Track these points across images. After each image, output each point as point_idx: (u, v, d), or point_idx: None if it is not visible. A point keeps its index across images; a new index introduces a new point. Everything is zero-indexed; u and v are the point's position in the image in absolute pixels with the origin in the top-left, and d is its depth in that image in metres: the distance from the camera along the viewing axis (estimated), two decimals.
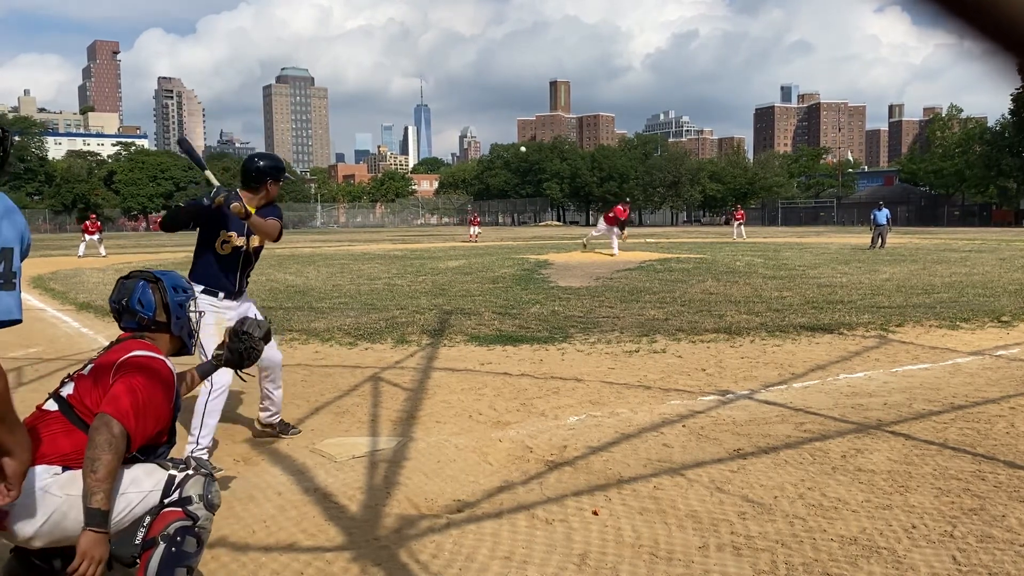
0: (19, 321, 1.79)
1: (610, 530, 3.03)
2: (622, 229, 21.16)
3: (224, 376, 3.92)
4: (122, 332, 2.70)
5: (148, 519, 2.31)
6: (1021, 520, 3.05)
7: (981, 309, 8.85)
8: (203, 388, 3.94)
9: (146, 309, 2.66)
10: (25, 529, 2.20)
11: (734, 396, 5.19)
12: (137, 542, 2.30)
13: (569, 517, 3.17)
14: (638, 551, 2.85)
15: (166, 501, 2.32)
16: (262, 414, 4.45)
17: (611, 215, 20.99)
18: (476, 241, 34.88)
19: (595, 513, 3.20)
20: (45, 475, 2.23)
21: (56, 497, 2.21)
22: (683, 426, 4.48)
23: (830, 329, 7.73)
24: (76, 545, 2.21)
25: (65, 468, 2.26)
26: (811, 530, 2.99)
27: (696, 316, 8.66)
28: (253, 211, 4.07)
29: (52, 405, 2.41)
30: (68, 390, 2.45)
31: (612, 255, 19.90)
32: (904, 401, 4.98)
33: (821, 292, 11.00)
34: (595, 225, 23.65)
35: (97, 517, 2.14)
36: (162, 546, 2.25)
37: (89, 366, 2.51)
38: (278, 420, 4.46)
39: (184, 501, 2.32)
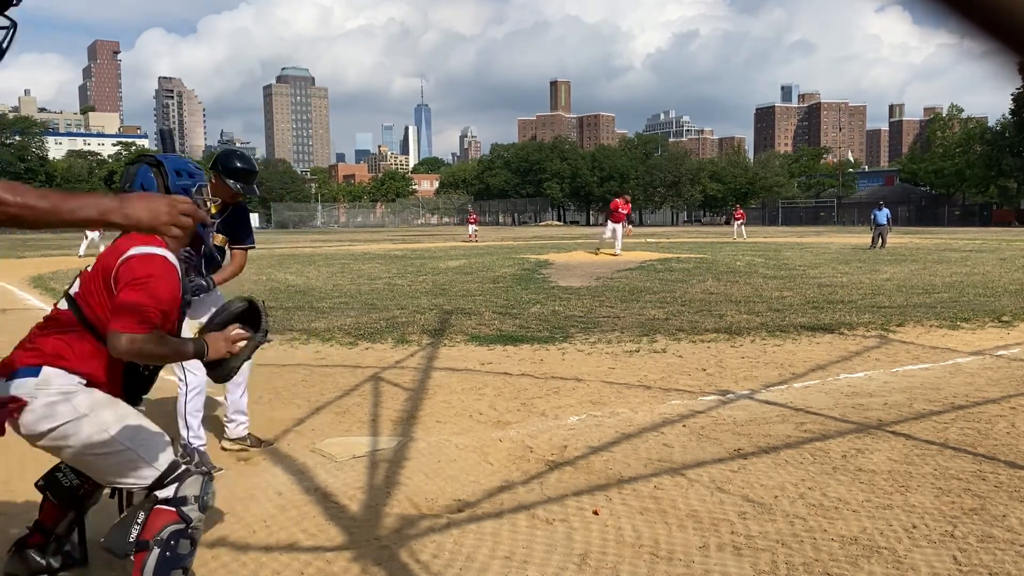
0: None
1: (610, 530, 3.03)
2: (628, 222, 21.31)
3: (198, 377, 3.78)
4: None
5: (142, 516, 2.29)
6: (1022, 520, 3.04)
7: (981, 309, 8.85)
8: (179, 391, 3.85)
9: None
10: (37, 427, 2.21)
11: (734, 396, 5.19)
12: (131, 540, 2.27)
13: (569, 517, 3.17)
14: (638, 551, 2.85)
15: (159, 495, 2.28)
16: (228, 425, 4.15)
17: (610, 211, 21.16)
18: (476, 241, 34.76)
19: (595, 513, 3.20)
20: (70, 383, 2.24)
21: (73, 409, 2.22)
22: (683, 426, 4.48)
23: (830, 329, 7.73)
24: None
25: (88, 384, 2.27)
26: (811, 530, 2.99)
27: (696, 316, 8.66)
28: (214, 209, 3.75)
29: (64, 304, 2.36)
30: (76, 288, 2.39)
31: (614, 255, 19.92)
32: (904, 401, 4.97)
33: (821, 292, 11.00)
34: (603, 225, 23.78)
35: (194, 349, 2.34)
36: (156, 551, 2.21)
37: (93, 262, 2.45)
38: (245, 433, 4.16)
39: (179, 501, 2.28)
